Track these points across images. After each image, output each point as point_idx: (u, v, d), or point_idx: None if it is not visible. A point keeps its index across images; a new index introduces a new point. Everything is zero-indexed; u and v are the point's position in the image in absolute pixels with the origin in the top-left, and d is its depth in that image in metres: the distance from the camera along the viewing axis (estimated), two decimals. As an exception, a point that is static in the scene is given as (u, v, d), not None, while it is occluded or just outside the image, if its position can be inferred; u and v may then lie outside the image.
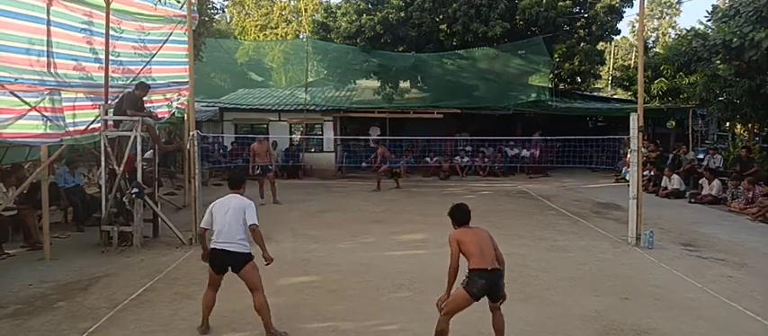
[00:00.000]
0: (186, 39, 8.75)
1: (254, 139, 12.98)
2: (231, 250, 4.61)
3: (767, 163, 13.78)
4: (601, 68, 25.23)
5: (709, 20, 14.62)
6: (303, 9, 36.83)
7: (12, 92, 6.66)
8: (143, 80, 8.79)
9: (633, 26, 34.92)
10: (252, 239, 4.77)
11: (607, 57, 30.55)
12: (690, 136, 17.32)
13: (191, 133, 8.52)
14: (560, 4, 18.03)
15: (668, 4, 39.84)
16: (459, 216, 4.60)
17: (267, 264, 4.79)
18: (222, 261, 4.68)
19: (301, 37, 33.46)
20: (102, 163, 8.11)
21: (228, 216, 4.67)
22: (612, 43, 32.36)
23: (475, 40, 18.12)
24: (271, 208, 11.39)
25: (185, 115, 11.25)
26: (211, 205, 4.83)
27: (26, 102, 6.88)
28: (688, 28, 27.65)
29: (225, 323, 5.07)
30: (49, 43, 7.41)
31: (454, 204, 4.69)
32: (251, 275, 4.68)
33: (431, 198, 13.00)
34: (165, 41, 9.38)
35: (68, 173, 9.66)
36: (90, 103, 8.44)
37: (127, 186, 8.07)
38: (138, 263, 7.15)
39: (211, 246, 4.71)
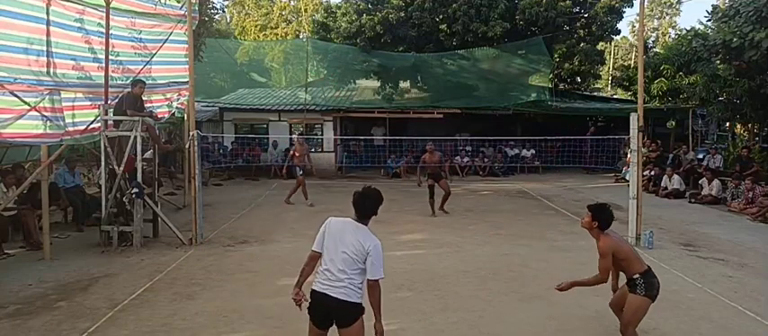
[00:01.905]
0: (186, 38, 8.74)
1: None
2: (335, 296, 3.34)
3: (767, 163, 13.79)
4: (601, 68, 25.25)
5: (709, 20, 14.65)
6: (303, 9, 36.83)
7: (11, 92, 6.65)
8: (141, 78, 8.76)
9: (633, 26, 34.94)
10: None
11: (607, 57, 30.56)
12: (690, 136, 17.32)
13: (191, 133, 8.51)
14: (560, 4, 18.04)
15: (668, 3, 39.84)
16: (609, 217, 4.10)
17: None
18: (323, 310, 3.41)
19: (301, 37, 33.48)
20: (102, 163, 8.11)
21: (344, 252, 3.38)
22: (612, 43, 32.38)
23: (475, 40, 18.13)
24: (271, 209, 11.39)
25: (185, 115, 11.25)
26: (327, 224, 3.55)
27: (26, 102, 6.87)
28: (688, 28, 27.72)
29: (225, 323, 5.06)
30: (48, 43, 7.41)
31: (600, 203, 4.15)
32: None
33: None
34: (165, 41, 9.37)
35: (68, 173, 9.66)
36: (89, 103, 8.44)
37: (127, 186, 8.07)
38: (138, 263, 7.14)
39: (313, 288, 3.44)
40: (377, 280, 3.38)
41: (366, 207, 3.48)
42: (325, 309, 3.39)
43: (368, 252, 3.35)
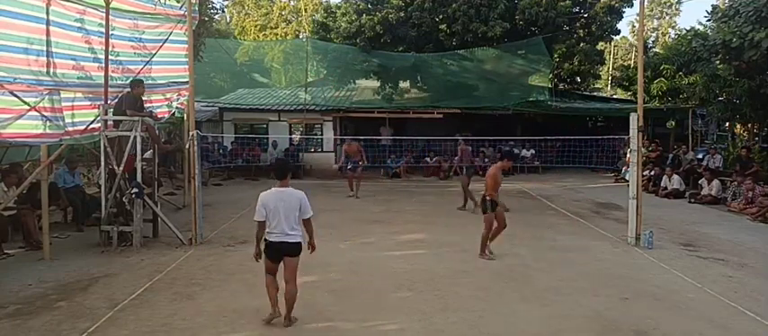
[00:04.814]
0: (186, 38, 8.74)
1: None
2: (290, 241, 4.88)
3: (767, 163, 13.79)
4: (600, 68, 25.25)
5: (709, 20, 14.65)
6: (303, 9, 36.83)
7: (11, 92, 6.65)
8: (140, 79, 8.75)
9: (633, 26, 34.95)
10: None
11: (607, 57, 30.58)
12: (690, 136, 17.33)
13: (191, 133, 8.51)
14: (560, 4, 18.04)
15: (668, 4, 39.86)
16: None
17: (311, 252, 5.15)
18: (281, 251, 4.93)
19: (301, 37, 33.46)
20: (102, 163, 8.10)
21: (284, 209, 4.84)
22: (612, 43, 32.39)
23: (475, 40, 18.12)
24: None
25: (185, 115, 11.24)
26: (260, 197, 4.94)
27: (25, 102, 6.87)
28: (688, 28, 27.74)
29: (225, 323, 5.07)
30: (48, 43, 7.40)
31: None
32: (296, 265, 4.97)
33: (431, 198, 13.00)
34: (165, 41, 9.36)
35: (68, 173, 9.65)
36: (89, 103, 8.43)
37: (127, 186, 8.06)
38: (137, 263, 7.14)
39: (270, 239, 4.90)
40: (309, 218, 5.03)
41: (285, 169, 5.10)
42: (282, 251, 4.92)
43: (300, 202, 4.94)
